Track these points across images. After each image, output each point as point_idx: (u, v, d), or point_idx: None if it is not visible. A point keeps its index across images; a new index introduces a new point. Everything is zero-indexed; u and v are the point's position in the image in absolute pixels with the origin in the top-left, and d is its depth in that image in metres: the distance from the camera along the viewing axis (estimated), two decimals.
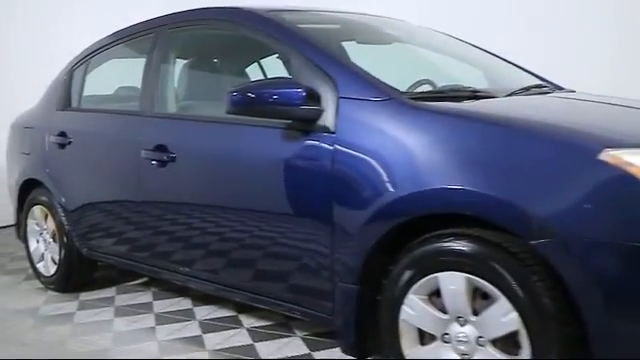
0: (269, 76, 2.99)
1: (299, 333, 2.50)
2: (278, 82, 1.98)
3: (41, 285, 3.36)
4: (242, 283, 2.27)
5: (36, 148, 3.26)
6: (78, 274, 3.20)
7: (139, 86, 3.17)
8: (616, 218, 1.45)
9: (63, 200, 3.08)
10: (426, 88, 2.37)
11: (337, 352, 2.27)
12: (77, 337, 2.65)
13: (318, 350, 2.33)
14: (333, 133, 1.88)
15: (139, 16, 2.97)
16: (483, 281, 1.60)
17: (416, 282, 1.72)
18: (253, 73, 3.05)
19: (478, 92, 2.04)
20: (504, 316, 1.57)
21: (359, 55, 2.29)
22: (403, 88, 2.04)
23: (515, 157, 1.59)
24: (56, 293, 3.25)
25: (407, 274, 1.74)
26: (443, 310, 1.70)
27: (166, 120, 2.56)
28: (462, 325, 1.67)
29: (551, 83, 2.63)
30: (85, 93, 3.21)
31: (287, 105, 1.91)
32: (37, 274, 3.38)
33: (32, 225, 3.38)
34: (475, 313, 1.65)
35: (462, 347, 1.67)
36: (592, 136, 1.57)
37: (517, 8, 4.15)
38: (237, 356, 2.33)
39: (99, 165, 2.89)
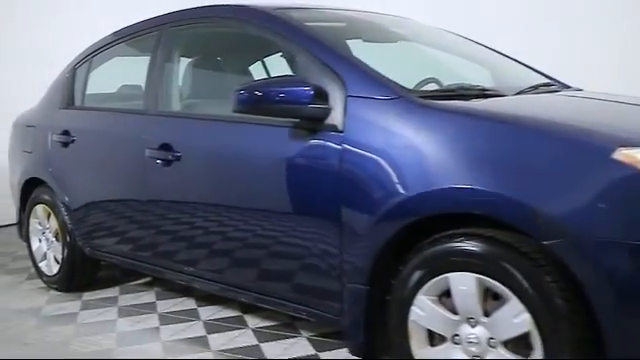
0: (272, 74, 2.98)
1: (305, 333, 2.48)
2: (286, 80, 1.96)
3: (43, 285, 3.34)
4: (248, 283, 2.25)
5: (39, 147, 3.24)
6: (81, 274, 3.18)
7: (142, 84, 3.18)
8: (630, 217, 1.43)
9: (66, 199, 3.06)
10: (432, 87, 2.36)
11: (343, 352, 2.26)
12: (80, 337, 2.63)
13: (324, 351, 2.31)
14: (341, 132, 1.86)
15: (138, 16, 2.95)
16: (494, 282, 1.58)
17: (426, 283, 1.70)
18: (258, 71, 3.02)
19: (487, 90, 2.02)
20: (516, 317, 1.55)
21: (364, 53, 2.28)
22: (409, 87, 2.03)
23: (526, 156, 1.57)
24: (59, 293, 3.23)
25: (417, 274, 1.72)
26: (453, 311, 1.68)
27: (171, 119, 2.54)
28: (473, 326, 1.65)
29: (558, 82, 2.61)
30: (88, 91, 3.18)
31: (295, 104, 1.89)
32: (39, 273, 3.36)
33: (34, 224, 3.36)
34: (486, 314, 1.63)
35: (473, 348, 1.65)
36: (605, 135, 1.55)
37: (520, 7, 4.14)
38: (243, 357, 2.31)
39: (103, 164, 2.86)
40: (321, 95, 1.90)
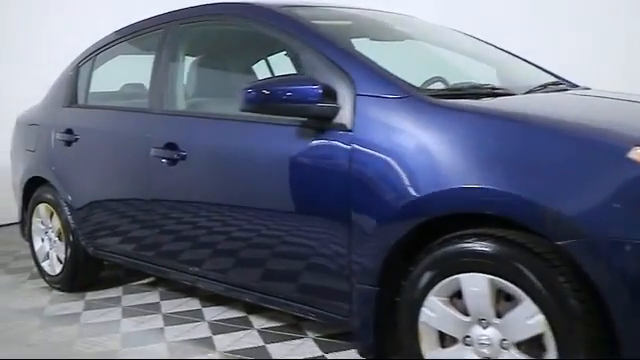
0: (276, 73, 2.96)
1: (311, 334, 2.46)
2: (294, 79, 1.94)
3: (46, 284, 3.32)
4: (254, 283, 2.23)
5: (41, 145, 3.22)
6: (84, 273, 3.16)
7: (145, 83, 3.15)
8: None
9: (69, 198, 3.04)
10: (438, 86, 2.34)
11: (350, 353, 2.25)
12: (84, 338, 2.60)
13: (331, 352, 2.29)
14: (350, 131, 1.84)
15: (139, 16, 2.93)
16: (507, 282, 1.56)
17: (437, 283, 1.68)
18: (263, 70, 3.00)
19: (496, 89, 2.00)
20: (529, 318, 1.53)
21: (370, 52, 2.26)
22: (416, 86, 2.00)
23: (539, 155, 1.56)
24: (61, 293, 3.21)
25: (427, 275, 1.70)
26: (465, 312, 1.66)
27: (176, 117, 2.52)
28: (484, 327, 1.63)
29: (566, 80, 2.59)
30: (92, 90, 3.16)
31: (303, 102, 1.86)
32: (42, 273, 3.33)
33: (37, 223, 3.33)
34: (498, 315, 1.61)
35: (484, 350, 1.63)
36: (619, 134, 1.54)
37: (525, 6, 4.13)
38: (249, 358, 2.29)
39: (106, 163, 2.84)
40: (330, 94, 1.88)
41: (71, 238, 3.08)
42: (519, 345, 1.58)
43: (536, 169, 1.54)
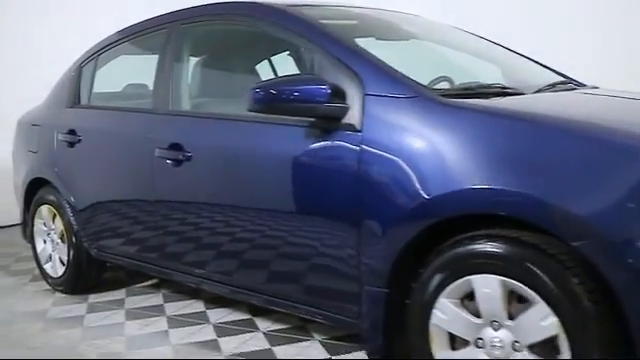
0: (279, 73, 2.94)
1: (317, 337, 2.44)
2: (302, 79, 1.92)
3: (48, 287, 3.29)
4: (261, 286, 2.21)
5: (44, 146, 3.19)
6: (87, 275, 3.14)
7: (148, 83, 3.13)
8: None
9: (72, 199, 3.02)
10: (444, 85, 2.32)
11: (357, 355, 2.23)
12: (88, 341, 2.58)
13: (338, 354, 2.27)
14: (359, 131, 1.82)
15: (139, 16, 2.92)
16: (520, 284, 1.54)
17: (448, 285, 1.66)
18: (269, 70, 2.98)
19: (506, 89, 1.98)
20: (543, 320, 1.51)
21: (376, 52, 2.24)
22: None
23: (552, 155, 1.54)
24: (64, 295, 3.18)
25: (438, 277, 1.68)
26: (476, 314, 1.64)
27: (181, 118, 2.49)
28: (496, 329, 1.61)
29: (573, 79, 2.58)
30: (95, 90, 3.14)
31: (312, 102, 1.85)
32: (44, 275, 3.31)
33: (39, 225, 3.31)
34: (510, 317, 1.59)
35: (497, 352, 1.61)
36: (632, 133, 1.53)
37: (523, 4, 4.12)
38: None
39: (110, 164, 2.82)
40: (338, 93, 1.87)
41: (74, 240, 3.05)
42: (531, 347, 1.56)
43: (549, 169, 1.52)
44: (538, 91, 2.09)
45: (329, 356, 2.27)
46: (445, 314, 1.68)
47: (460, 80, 2.41)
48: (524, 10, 4.13)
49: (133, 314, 2.86)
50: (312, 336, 2.45)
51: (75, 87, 3.17)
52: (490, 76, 2.50)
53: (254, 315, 2.71)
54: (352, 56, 1.92)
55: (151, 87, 3.00)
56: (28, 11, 4.90)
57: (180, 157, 2.35)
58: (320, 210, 1.95)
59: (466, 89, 1.97)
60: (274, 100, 1.86)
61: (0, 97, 4.69)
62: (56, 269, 3.20)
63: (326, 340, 2.40)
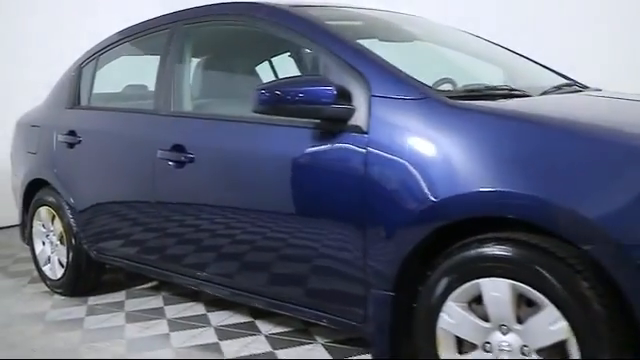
0: (282, 74, 2.92)
1: (320, 340, 2.42)
2: (308, 80, 1.90)
3: (47, 288, 3.26)
4: (264, 288, 2.19)
5: (43, 147, 3.16)
6: (86, 277, 3.11)
7: (148, 84, 3.11)
8: None
9: (72, 201, 2.99)
10: (447, 87, 2.31)
11: (361, 358, 2.21)
12: (88, 344, 2.55)
13: (342, 358, 2.25)
14: (365, 133, 1.81)
15: (140, 16, 2.90)
16: (529, 288, 1.53)
17: (456, 289, 1.65)
18: (269, 71, 2.96)
19: (513, 91, 1.97)
20: (552, 324, 1.50)
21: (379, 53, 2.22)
22: None
23: (562, 158, 1.52)
24: (63, 297, 3.15)
25: (446, 280, 1.66)
26: (484, 318, 1.63)
27: (184, 119, 2.47)
28: (505, 334, 1.60)
29: (576, 81, 2.57)
30: (95, 91, 3.11)
31: (317, 104, 1.83)
32: (43, 277, 3.28)
33: (38, 226, 3.28)
34: (519, 321, 1.57)
35: (505, 356, 1.60)
36: None
37: (528, 6, 4.12)
38: None
39: (111, 165, 2.80)
40: (344, 95, 1.85)
41: (73, 241, 3.02)
42: (540, 351, 1.54)
43: (558, 172, 1.51)
44: (544, 93, 2.08)
45: (332, 359, 2.25)
46: (452, 318, 1.67)
47: (463, 82, 2.40)
48: (525, 10, 4.13)
49: (133, 317, 2.83)
50: (315, 339, 2.43)
51: (75, 88, 3.14)
52: (493, 78, 2.49)
53: (255, 318, 2.69)
54: (358, 57, 1.91)
55: (150, 88, 2.98)
56: (30, 11, 4.87)
57: (182, 159, 2.33)
58: (325, 213, 1.93)
59: (472, 91, 1.96)
60: (279, 101, 1.85)
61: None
62: (55, 271, 3.17)
63: (329, 343, 2.38)
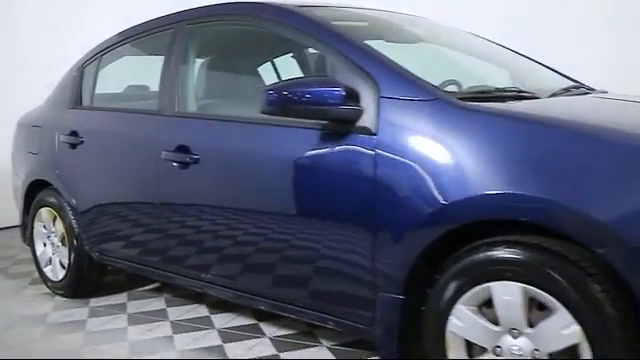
0: (288, 74, 2.90)
1: (325, 343, 2.40)
2: (316, 81, 1.88)
3: (48, 290, 3.23)
4: (270, 291, 2.17)
5: (45, 148, 3.14)
6: (88, 279, 3.08)
7: (149, 84, 3.10)
8: None
9: (74, 202, 2.96)
10: (452, 88, 2.29)
11: None
12: (90, 346, 2.53)
13: None
14: (374, 135, 1.79)
15: (141, 16, 2.88)
16: (540, 291, 1.51)
17: (465, 292, 1.63)
18: (279, 71, 2.95)
19: (522, 93, 1.96)
20: (564, 328, 1.48)
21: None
22: None
23: (574, 160, 1.51)
24: (64, 299, 3.12)
25: (455, 284, 1.65)
26: (495, 321, 1.61)
27: (188, 120, 2.45)
28: (515, 337, 1.59)
29: (582, 83, 2.56)
30: (97, 91, 3.09)
31: (325, 105, 1.81)
32: (44, 279, 3.25)
33: (39, 227, 3.25)
34: (530, 325, 1.56)
35: None
36: None
37: (528, 7, 4.12)
38: None
39: (113, 166, 2.77)
40: (352, 96, 1.83)
41: (75, 243, 3.00)
42: (552, 355, 1.53)
43: (570, 174, 1.50)
44: (552, 95, 2.06)
45: None
46: (462, 321, 1.65)
47: (468, 83, 2.39)
48: (524, 11, 4.13)
49: (135, 319, 2.81)
50: (320, 342, 2.41)
51: (77, 88, 3.12)
52: (498, 80, 2.48)
53: (259, 320, 2.67)
54: (366, 58, 1.89)
55: (152, 88, 2.96)
56: (30, 11, 4.84)
57: (187, 160, 2.31)
58: (332, 215, 1.91)
59: (482, 92, 1.94)
60: (287, 102, 1.83)
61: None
62: (56, 272, 3.15)
63: (334, 346, 2.37)
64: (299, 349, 2.36)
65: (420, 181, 1.69)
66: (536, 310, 1.55)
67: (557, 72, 2.65)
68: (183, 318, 2.78)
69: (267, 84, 2.09)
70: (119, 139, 2.73)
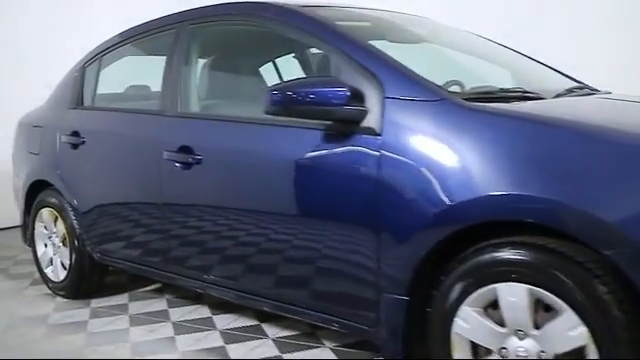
0: (291, 75, 2.89)
1: (328, 344, 2.39)
2: (320, 81, 1.87)
3: (49, 291, 3.22)
4: (274, 292, 2.16)
5: (46, 148, 3.13)
6: (89, 280, 3.07)
7: (150, 85, 3.09)
8: None
9: (75, 202, 2.95)
10: (455, 89, 2.29)
11: None
12: (92, 347, 2.52)
13: None
14: (379, 135, 1.78)
15: (141, 17, 2.88)
16: (547, 293, 1.51)
17: (471, 293, 1.63)
18: (280, 71, 2.94)
19: (527, 93, 1.95)
20: (571, 330, 1.48)
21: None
22: None
23: (581, 161, 1.51)
24: (66, 300, 3.11)
25: (461, 285, 1.64)
26: (500, 323, 1.60)
27: (191, 120, 2.44)
28: (521, 339, 1.58)
29: (585, 84, 2.55)
30: (99, 91, 3.08)
31: (330, 105, 1.80)
32: (45, 279, 3.24)
33: (40, 228, 3.24)
34: (536, 326, 1.55)
35: None
36: None
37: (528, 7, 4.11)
38: None
39: (115, 166, 2.76)
40: (357, 96, 1.83)
41: (76, 243, 2.99)
42: (558, 357, 1.52)
43: (577, 175, 1.49)
44: (557, 96, 2.06)
45: None
46: (468, 323, 1.65)
47: (471, 84, 2.38)
48: (526, 10, 4.13)
49: (137, 320, 2.80)
50: (323, 343, 2.40)
51: (78, 88, 3.10)
52: (501, 80, 2.47)
53: (261, 321, 2.66)
54: (371, 58, 1.89)
55: (153, 88, 2.95)
56: (30, 11, 4.83)
57: (190, 160, 2.30)
58: (337, 216, 1.91)
59: (487, 93, 1.93)
60: (291, 102, 1.82)
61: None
62: (57, 273, 3.14)
63: (337, 347, 2.36)
64: (302, 350, 2.35)
65: (425, 182, 1.68)
66: (542, 311, 1.55)
67: (560, 73, 2.64)
68: (185, 319, 2.77)
69: (270, 84, 2.08)
70: (121, 139, 2.72)
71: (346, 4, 2.61)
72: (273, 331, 2.55)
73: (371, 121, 1.81)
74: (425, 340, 1.75)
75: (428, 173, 1.68)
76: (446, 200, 1.64)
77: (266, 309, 2.27)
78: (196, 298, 2.98)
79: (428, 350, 1.75)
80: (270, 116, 1.94)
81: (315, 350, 2.35)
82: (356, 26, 2.33)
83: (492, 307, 1.62)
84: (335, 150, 1.88)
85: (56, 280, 3.15)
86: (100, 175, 2.86)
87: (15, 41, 4.74)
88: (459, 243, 1.66)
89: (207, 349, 2.42)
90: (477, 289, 1.62)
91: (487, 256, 1.60)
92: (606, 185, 1.46)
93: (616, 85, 2.54)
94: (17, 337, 2.68)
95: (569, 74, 2.63)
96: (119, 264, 2.87)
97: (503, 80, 2.49)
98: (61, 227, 3.08)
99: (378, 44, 2.33)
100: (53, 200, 3.09)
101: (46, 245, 3.23)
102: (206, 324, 2.69)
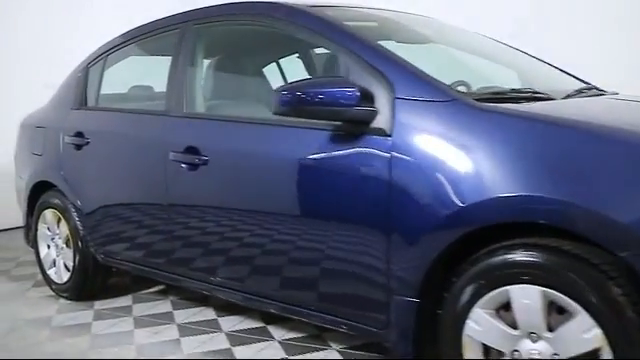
0: (296, 75, 2.88)
1: (335, 346, 2.38)
2: (330, 81, 1.85)
3: (52, 292, 3.20)
4: (281, 294, 2.14)
5: (49, 149, 3.11)
6: (93, 281, 3.05)
7: (153, 85, 3.07)
8: None
9: (79, 203, 2.93)
10: (462, 89, 2.27)
11: None
12: (96, 349, 2.50)
13: None
14: (389, 136, 1.77)
15: (142, 17, 2.86)
16: (560, 294, 1.49)
17: (483, 295, 1.61)
18: (288, 71, 2.92)
19: (537, 94, 1.94)
20: (585, 332, 1.46)
21: None
22: None
23: (595, 162, 1.49)
24: (69, 302, 3.09)
25: (473, 287, 1.63)
26: (513, 325, 1.59)
27: (197, 121, 2.42)
28: (534, 341, 1.57)
29: (593, 85, 2.54)
30: (102, 92, 3.06)
31: (340, 106, 1.78)
32: (48, 281, 3.22)
33: (43, 229, 3.22)
34: (550, 329, 1.54)
35: None
36: None
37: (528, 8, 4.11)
38: None
39: (120, 167, 2.74)
40: (367, 97, 1.81)
41: (80, 245, 2.97)
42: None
43: (591, 176, 1.48)
44: (567, 96, 2.05)
45: None
46: (479, 325, 1.63)
47: (478, 85, 2.37)
48: (531, 11, 4.12)
49: (142, 322, 2.78)
50: (329, 345, 2.39)
51: (82, 88, 3.09)
52: (508, 81, 2.46)
53: (267, 323, 2.64)
54: (381, 58, 1.87)
55: (156, 89, 2.94)
56: (30, 11, 4.81)
57: (196, 161, 2.28)
58: (346, 217, 1.89)
59: (497, 93, 1.92)
60: (301, 103, 1.80)
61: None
62: (60, 275, 3.12)
63: (344, 349, 2.34)
64: (308, 352, 2.34)
65: (436, 183, 1.67)
66: (555, 314, 1.54)
67: (567, 73, 2.63)
68: (190, 321, 2.75)
69: (278, 85, 2.07)
70: (126, 140, 2.71)
71: (353, 4, 2.60)
72: (279, 333, 2.53)
73: (381, 122, 1.79)
74: (436, 342, 1.74)
75: (439, 174, 1.67)
76: (457, 202, 1.62)
77: (273, 311, 2.25)
78: (201, 300, 2.96)
79: (439, 352, 1.74)
80: (278, 116, 1.92)
81: (322, 352, 2.33)
82: (363, 26, 2.32)
83: (504, 309, 1.61)
84: (345, 151, 1.86)
85: (59, 282, 3.13)
86: (104, 176, 2.84)
87: (15, 41, 4.72)
88: (470, 245, 1.65)
89: (213, 351, 2.41)
90: (489, 291, 1.60)
91: (499, 258, 1.58)
92: (619, 186, 1.45)
93: (623, 86, 2.54)
94: (20, 340, 2.66)
95: (576, 75, 2.63)
96: (123, 265, 2.85)
97: (510, 81, 2.48)
98: (64, 228, 3.06)
99: (385, 44, 2.32)
100: (56, 201, 3.07)
101: (49, 246, 3.21)
102: (211, 326, 2.67)
